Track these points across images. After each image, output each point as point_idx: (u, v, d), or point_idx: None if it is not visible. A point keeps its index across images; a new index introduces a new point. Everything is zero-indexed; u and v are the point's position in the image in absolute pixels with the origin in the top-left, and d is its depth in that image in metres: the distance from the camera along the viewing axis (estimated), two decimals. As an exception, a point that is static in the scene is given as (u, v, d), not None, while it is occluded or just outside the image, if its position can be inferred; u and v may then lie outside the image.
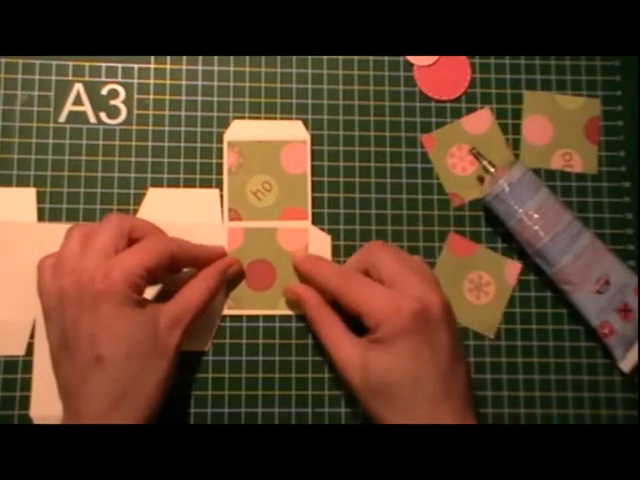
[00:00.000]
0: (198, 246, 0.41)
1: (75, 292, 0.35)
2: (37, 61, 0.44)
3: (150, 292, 0.40)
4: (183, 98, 0.44)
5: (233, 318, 0.43)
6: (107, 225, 0.37)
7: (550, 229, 0.41)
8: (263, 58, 0.45)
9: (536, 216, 0.41)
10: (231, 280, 0.42)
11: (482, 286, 0.44)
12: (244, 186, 0.44)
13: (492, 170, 0.43)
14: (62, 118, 0.44)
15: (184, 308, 0.38)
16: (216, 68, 0.45)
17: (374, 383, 0.36)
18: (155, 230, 0.40)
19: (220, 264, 0.41)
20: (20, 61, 0.44)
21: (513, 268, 0.44)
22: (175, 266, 0.39)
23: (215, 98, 0.44)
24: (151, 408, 0.36)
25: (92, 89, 0.44)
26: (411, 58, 0.46)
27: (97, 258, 0.36)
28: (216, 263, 0.41)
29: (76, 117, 0.44)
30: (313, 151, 0.44)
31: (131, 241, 0.38)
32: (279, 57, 0.45)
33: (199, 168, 0.44)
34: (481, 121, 0.45)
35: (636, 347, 0.42)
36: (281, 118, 0.45)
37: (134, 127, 0.44)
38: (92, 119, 0.44)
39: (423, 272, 0.39)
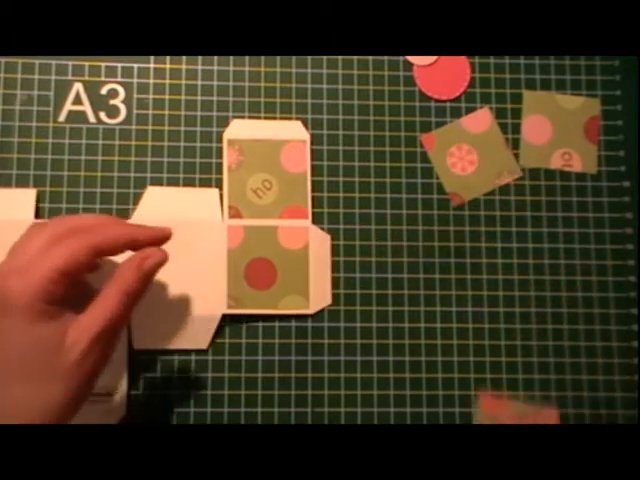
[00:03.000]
0: (135, 227, 0.36)
1: None
2: (36, 61, 0.44)
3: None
4: (182, 98, 0.44)
5: (233, 317, 0.42)
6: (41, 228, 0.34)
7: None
8: (262, 58, 0.45)
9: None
10: (157, 274, 0.36)
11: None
12: (244, 184, 0.44)
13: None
14: (61, 118, 0.44)
15: (93, 320, 0.32)
16: (215, 68, 0.45)
17: None
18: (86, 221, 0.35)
19: (133, 260, 0.34)
20: (19, 61, 0.44)
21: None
22: (108, 255, 0.35)
23: (214, 98, 0.44)
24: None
25: (91, 89, 0.44)
26: (411, 58, 0.46)
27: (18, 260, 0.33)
28: (129, 259, 0.35)
29: (75, 117, 0.44)
30: (313, 150, 0.44)
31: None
32: (278, 57, 0.45)
33: (199, 168, 0.44)
34: (481, 121, 0.45)
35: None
36: (281, 118, 0.45)
37: (133, 127, 0.44)
38: (92, 119, 0.44)
39: None
